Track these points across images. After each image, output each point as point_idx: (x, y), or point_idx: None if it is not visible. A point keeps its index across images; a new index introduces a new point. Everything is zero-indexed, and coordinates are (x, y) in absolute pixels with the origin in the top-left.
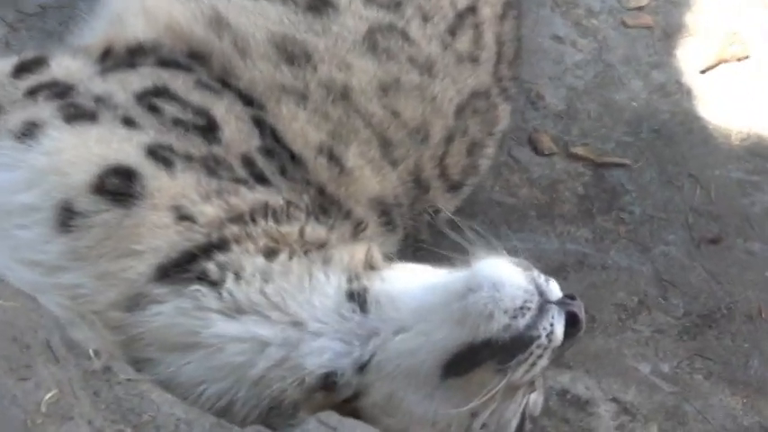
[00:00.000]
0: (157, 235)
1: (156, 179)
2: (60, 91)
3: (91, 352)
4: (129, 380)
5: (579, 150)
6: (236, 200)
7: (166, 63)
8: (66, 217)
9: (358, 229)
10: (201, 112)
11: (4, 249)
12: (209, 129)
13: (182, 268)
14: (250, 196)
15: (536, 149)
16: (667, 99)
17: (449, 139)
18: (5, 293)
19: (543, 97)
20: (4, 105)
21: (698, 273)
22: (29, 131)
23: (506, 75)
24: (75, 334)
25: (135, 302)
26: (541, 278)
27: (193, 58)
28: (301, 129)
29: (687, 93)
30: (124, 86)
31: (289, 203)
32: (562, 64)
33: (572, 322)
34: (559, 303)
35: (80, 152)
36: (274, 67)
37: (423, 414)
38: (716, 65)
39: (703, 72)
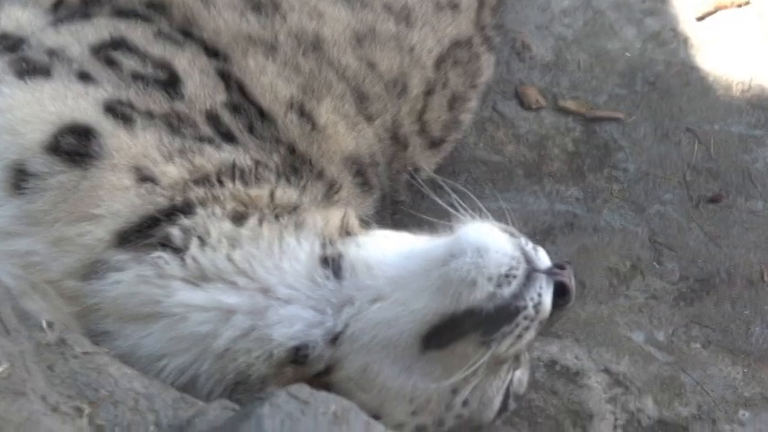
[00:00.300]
0: (117, 198)
1: (115, 137)
2: (11, 44)
3: (44, 323)
4: (85, 353)
5: (569, 104)
6: (202, 160)
7: (123, 13)
8: (20, 179)
9: (331, 191)
10: (162, 66)
11: None
12: (170, 83)
13: (143, 234)
14: (216, 156)
15: (523, 103)
16: (662, 48)
17: (428, 93)
18: None
19: (530, 47)
20: None
21: (696, 234)
22: None
23: (489, 22)
24: (27, 304)
25: (92, 270)
26: (529, 245)
27: (152, 8)
28: (270, 83)
29: (684, 41)
30: (79, 38)
31: (257, 163)
32: (548, 11)
33: (561, 292)
34: (548, 272)
35: (34, 110)
36: (240, 16)
37: (400, 389)
38: (714, 11)
39: (700, 19)
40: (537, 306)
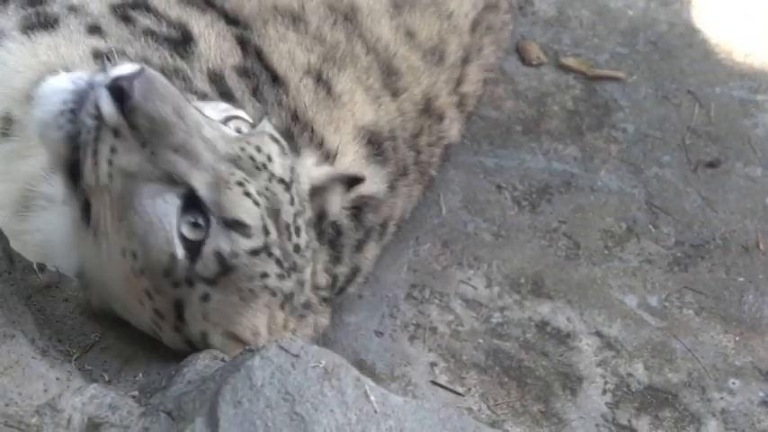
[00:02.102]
0: None
1: None
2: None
3: (35, 266)
4: (77, 296)
5: (570, 61)
6: None
7: None
8: (6, 126)
9: (326, 162)
10: (178, 26)
11: None
12: (182, 41)
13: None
14: None
15: (523, 59)
16: (666, 8)
17: (465, 60)
18: None
19: (532, 2)
20: None
21: (693, 199)
22: None
23: None
24: None
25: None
26: (98, 74)
27: None
28: (289, 50)
29: (687, 2)
30: None
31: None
32: None
33: (119, 95)
34: (108, 84)
35: (27, 60)
36: None
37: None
38: None
39: None
40: (97, 117)
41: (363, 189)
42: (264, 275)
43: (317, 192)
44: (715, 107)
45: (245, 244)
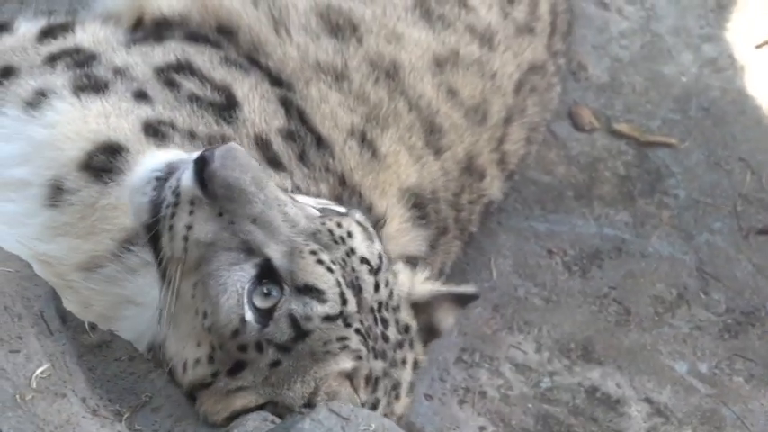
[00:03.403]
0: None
1: (141, 154)
2: (81, 60)
3: (87, 325)
4: (131, 357)
5: (622, 127)
6: None
7: (194, 38)
8: (56, 194)
9: (377, 226)
10: (222, 89)
11: None
12: (227, 106)
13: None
14: None
15: (576, 125)
16: (719, 75)
17: (508, 120)
18: None
19: (585, 68)
20: (22, 69)
21: (744, 266)
22: (36, 102)
23: (560, 49)
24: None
25: (95, 265)
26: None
27: (222, 33)
28: (331, 110)
29: (740, 69)
30: (145, 59)
31: (297, 189)
32: (607, 32)
33: (201, 167)
34: (195, 158)
35: (77, 127)
36: (313, 41)
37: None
38: None
39: (759, 47)
40: (175, 191)
41: (407, 250)
42: (343, 339)
43: (423, 307)
44: (767, 174)
45: (319, 309)
